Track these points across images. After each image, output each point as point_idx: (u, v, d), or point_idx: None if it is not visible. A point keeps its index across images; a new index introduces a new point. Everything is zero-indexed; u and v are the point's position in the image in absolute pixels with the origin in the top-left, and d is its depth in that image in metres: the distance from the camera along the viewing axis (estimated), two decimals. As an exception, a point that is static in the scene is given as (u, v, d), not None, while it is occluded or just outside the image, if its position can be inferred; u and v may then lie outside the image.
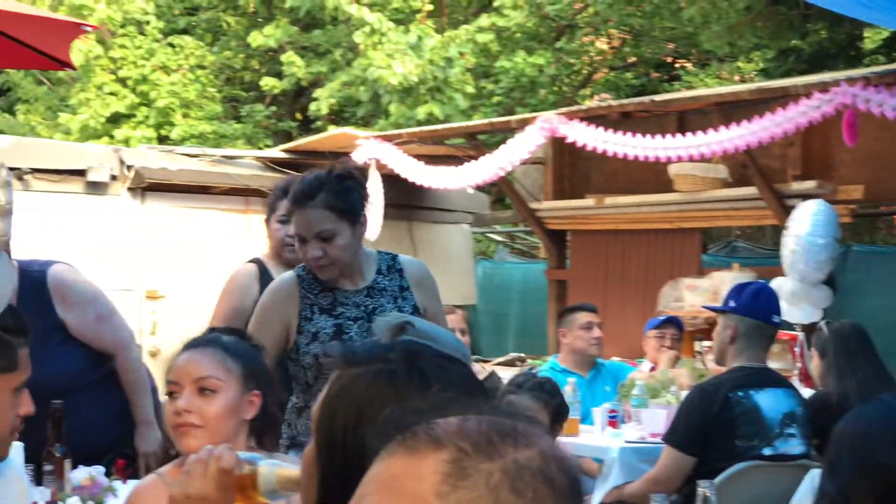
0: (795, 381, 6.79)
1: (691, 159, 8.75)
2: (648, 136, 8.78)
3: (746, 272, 9.14)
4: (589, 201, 10.48)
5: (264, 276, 4.98)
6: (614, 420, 6.52)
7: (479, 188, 11.08)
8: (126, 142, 15.72)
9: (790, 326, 7.77)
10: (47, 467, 3.97)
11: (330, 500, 1.92)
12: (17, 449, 3.68)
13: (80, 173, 10.39)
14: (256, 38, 16.65)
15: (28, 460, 3.88)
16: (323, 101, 15.99)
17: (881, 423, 2.45)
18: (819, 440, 5.45)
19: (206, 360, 3.10)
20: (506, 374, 6.96)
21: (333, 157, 9.93)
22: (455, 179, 9.98)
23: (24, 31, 5.76)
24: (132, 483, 3.70)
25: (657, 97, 10.92)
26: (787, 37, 14.33)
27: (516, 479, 1.24)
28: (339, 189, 4.20)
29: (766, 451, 5.37)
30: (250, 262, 5.29)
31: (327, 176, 4.23)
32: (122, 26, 17.07)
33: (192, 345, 3.17)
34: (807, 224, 7.89)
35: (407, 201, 11.56)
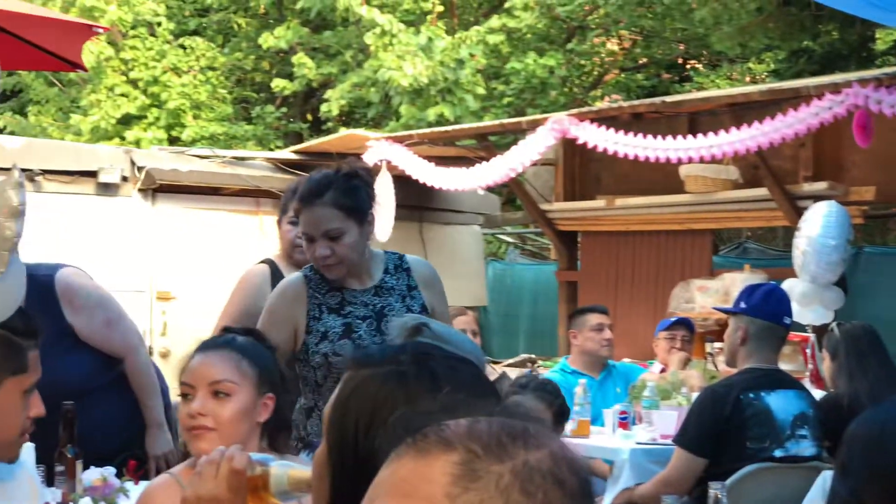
0: (807, 383, 6.78)
1: (702, 160, 8.74)
2: (659, 138, 8.77)
3: (757, 273, 9.13)
4: (600, 202, 10.47)
5: (276, 277, 4.98)
6: (625, 421, 6.51)
7: (490, 189, 11.08)
8: (137, 143, 15.75)
9: (801, 328, 7.75)
10: (59, 468, 3.97)
11: (341, 501, 1.92)
12: (28, 450, 3.69)
13: (91, 174, 10.41)
14: (267, 40, 16.66)
15: (39, 461, 3.89)
16: (333, 102, 16.00)
17: (893, 424, 2.44)
18: (830, 442, 5.44)
19: (220, 362, 3.09)
20: (516, 376, 6.96)
21: (344, 158, 9.92)
22: (466, 181, 9.98)
23: (36, 33, 5.77)
24: (144, 484, 3.69)
25: (668, 98, 10.91)
26: (799, 38, 14.32)
27: (527, 480, 1.24)
28: (347, 188, 4.20)
29: (778, 453, 5.36)
30: (262, 262, 5.30)
31: (335, 175, 4.24)
32: (133, 28, 17.10)
33: (207, 346, 3.16)
34: (818, 225, 7.88)
35: (417, 202, 11.56)
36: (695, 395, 6.22)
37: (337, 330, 4.20)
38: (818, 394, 6.21)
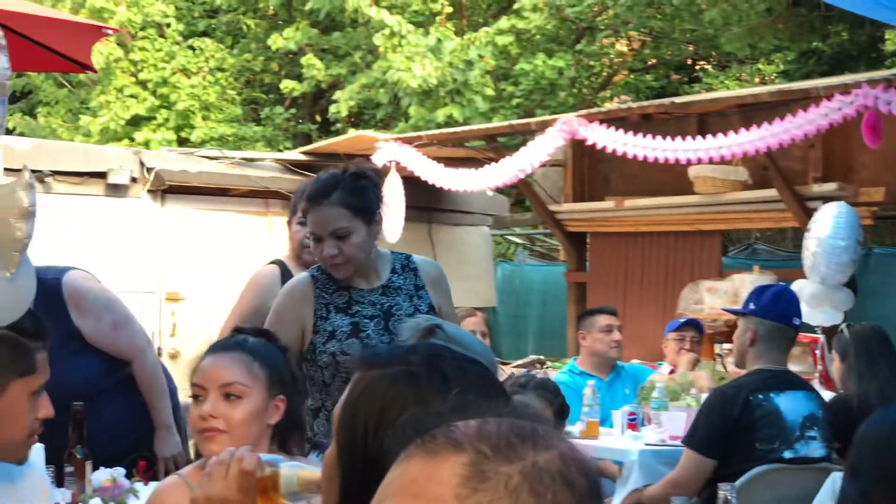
0: (816, 384, 6.77)
1: (711, 161, 8.73)
2: (668, 139, 8.77)
3: (767, 274, 9.12)
4: (609, 203, 10.46)
5: (285, 278, 4.97)
6: (634, 423, 6.51)
7: (499, 190, 11.07)
8: (146, 144, 15.76)
9: (811, 329, 7.74)
10: (68, 469, 3.97)
11: (350, 502, 1.92)
12: (37, 451, 3.69)
13: (101, 175, 10.42)
14: (276, 41, 16.68)
15: (48, 462, 3.89)
16: (342, 103, 16.01)
17: (903, 426, 2.44)
18: (840, 443, 5.44)
19: (232, 365, 3.09)
20: (516, 376, 6.97)
21: (353, 159, 9.94)
22: (475, 182, 9.98)
23: (46, 35, 5.79)
24: (154, 485, 3.70)
25: (677, 99, 10.91)
26: (808, 39, 14.31)
27: (536, 481, 1.24)
28: (355, 187, 4.21)
29: (787, 454, 5.35)
30: (272, 263, 5.30)
31: (342, 175, 4.24)
32: (143, 29, 17.13)
33: (218, 348, 3.16)
34: (828, 226, 7.87)
35: (426, 203, 11.56)
36: (704, 396, 6.22)
37: (345, 329, 4.20)
38: (828, 395, 6.20)
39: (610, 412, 6.77)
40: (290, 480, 2.29)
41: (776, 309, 5.54)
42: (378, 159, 10.17)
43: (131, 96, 16.82)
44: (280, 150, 15.76)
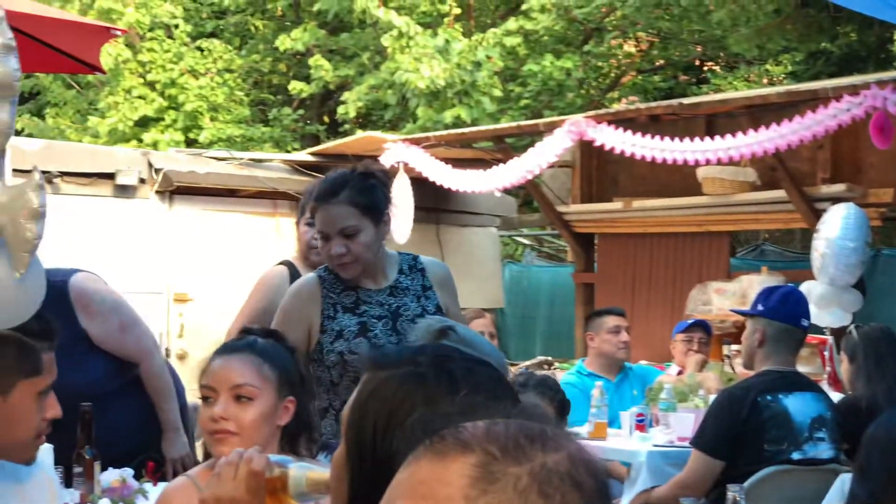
0: (825, 385, 6.76)
1: (720, 162, 8.73)
2: (676, 140, 8.76)
3: (775, 276, 9.11)
4: (617, 204, 10.46)
5: (294, 279, 4.97)
6: (642, 424, 6.50)
7: (507, 191, 11.06)
8: (154, 145, 15.78)
9: (819, 330, 7.74)
10: (77, 469, 3.97)
11: (359, 502, 1.92)
12: (46, 451, 3.69)
13: (109, 176, 10.43)
14: (284, 42, 16.69)
15: (57, 464, 3.89)
16: (350, 104, 16.01)
17: (912, 427, 2.44)
18: (849, 444, 5.43)
19: (242, 366, 3.08)
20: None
21: (361, 160, 9.93)
22: (482, 183, 9.98)
23: (55, 36, 5.79)
24: (163, 486, 3.70)
25: (685, 100, 10.90)
26: (817, 39, 14.29)
27: (545, 482, 1.24)
28: (363, 186, 4.21)
29: (796, 456, 5.35)
30: (280, 264, 5.31)
31: (351, 174, 4.25)
32: (151, 30, 17.15)
33: (228, 350, 3.15)
34: (837, 227, 7.86)
35: (434, 204, 11.56)
36: (712, 397, 6.21)
37: (352, 329, 4.20)
38: (836, 396, 6.19)
39: (618, 413, 6.77)
40: (298, 481, 2.29)
41: (784, 310, 5.53)
42: (386, 160, 10.17)
43: (139, 97, 16.84)
44: (288, 151, 15.76)
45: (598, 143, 9.21)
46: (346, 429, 1.95)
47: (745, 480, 5.05)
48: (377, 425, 1.89)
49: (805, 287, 7.55)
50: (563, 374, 7.96)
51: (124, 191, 10.50)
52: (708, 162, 8.73)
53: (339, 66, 16.87)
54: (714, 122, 9.82)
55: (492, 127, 12.10)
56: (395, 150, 10.39)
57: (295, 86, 17.07)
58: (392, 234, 4.51)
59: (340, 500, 1.98)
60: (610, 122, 9.25)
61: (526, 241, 16.17)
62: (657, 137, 8.86)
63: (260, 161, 11.68)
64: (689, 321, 8.27)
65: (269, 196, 11.13)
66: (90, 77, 16.66)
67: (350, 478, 1.93)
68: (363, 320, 4.22)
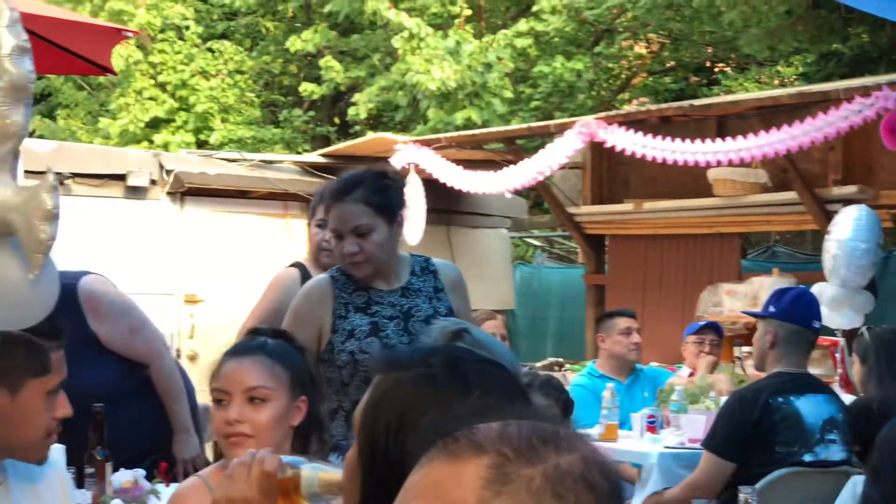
0: (836, 387, 6.75)
1: (731, 164, 8.72)
2: (688, 141, 8.75)
3: (786, 277, 9.10)
4: (627, 206, 10.45)
5: (305, 280, 4.97)
6: (653, 425, 6.50)
7: (518, 193, 11.06)
8: (165, 146, 15.79)
9: (831, 332, 7.72)
10: (88, 470, 3.98)
11: (372, 503, 1.92)
12: (58, 451, 3.70)
13: (120, 178, 10.45)
14: (295, 43, 16.70)
15: (69, 465, 3.90)
16: (361, 105, 16.02)
17: (925, 429, 2.43)
18: (860, 446, 5.41)
19: (255, 368, 3.08)
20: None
21: (372, 161, 9.94)
22: (493, 184, 9.98)
23: (66, 37, 5.80)
24: (175, 486, 3.70)
25: (696, 101, 10.88)
26: (828, 41, 14.26)
27: (558, 484, 1.24)
28: (378, 186, 4.21)
29: (807, 458, 5.34)
30: (291, 266, 5.31)
31: (366, 173, 4.26)
32: (162, 31, 17.17)
33: (239, 352, 3.15)
34: (848, 229, 7.85)
35: (445, 206, 11.56)
36: (723, 399, 6.21)
37: (364, 328, 4.19)
38: (848, 398, 6.18)
39: (629, 415, 6.76)
40: (311, 482, 2.29)
41: (796, 312, 5.53)
42: (397, 161, 10.18)
43: (150, 98, 16.87)
44: (299, 153, 15.76)
45: (608, 145, 9.20)
46: (358, 430, 1.96)
47: (757, 482, 5.04)
48: (389, 426, 1.89)
49: (816, 289, 7.54)
50: (574, 376, 7.97)
51: (135, 192, 10.51)
52: (719, 163, 8.72)
53: (349, 67, 16.88)
54: (725, 124, 9.82)
55: (502, 128, 12.10)
56: (406, 152, 10.40)
57: (305, 87, 17.08)
58: (404, 235, 4.50)
59: (353, 500, 1.98)
60: (621, 124, 9.25)
61: (536, 243, 16.16)
62: (668, 139, 8.85)
63: (271, 162, 11.68)
64: (701, 323, 8.26)
65: (279, 197, 11.14)
66: (101, 78, 16.68)
67: (362, 478, 1.93)
68: (375, 320, 4.22)
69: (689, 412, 6.49)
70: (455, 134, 11.61)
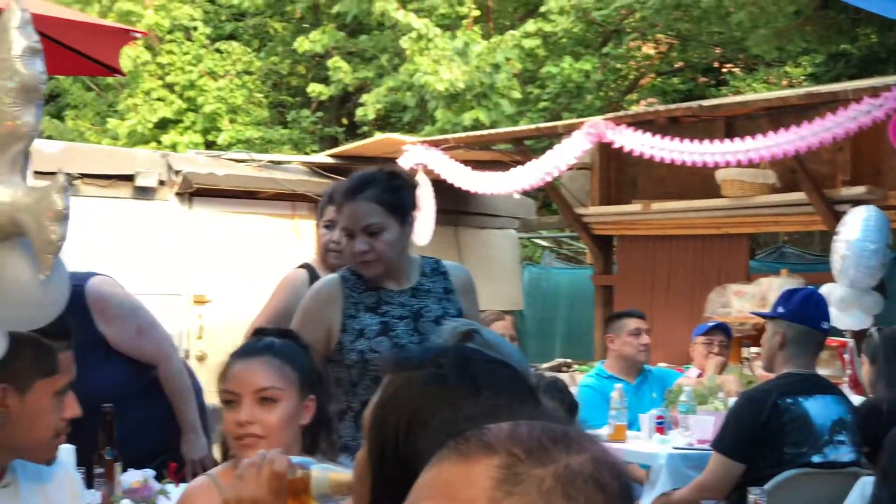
0: (845, 388, 6.74)
1: (739, 164, 8.72)
2: (696, 142, 8.75)
3: (795, 278, 9.09)
4: (636, 206, 10.44)
5: (314, 281, 4.97)
6: (662, 426, 6.49)
7: (526, 193, 11.07)
8: (173, 147, 15.81)
9: (840, 333, 7.71)
10: (98, 470, 3.98)
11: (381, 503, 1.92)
12: (68, 451, 3.70)
13: (129, 178, 10.46)
14: (303, 44, 16.71)
15: (78, 464, 3.90)
16: (369, 106, 16.02)
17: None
18: (869, 448, 5.40)
19: (264, 369, 3.08)
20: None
21: (380, 162, 9.95)
22: (501, 185, 9.98)
23: (75, 38, 5.81)
24: (184, 486, 3.70)
25: (705, 102, 10.88)
26: (837, 41, 14.25)
27: (569, 484, 1.24)
28: (390, 186, 4.22)
29: (816, 459, 5.33)
30: (300, 267, 5.31)
31: (379, 173, 4.27)
32: (170, 32, 17.19)
33: (247, 352, 3.14)
34: (857, 229, 7.84)
35: (453, 207, 11.56)
36: (731, 400, 6.20)
37: (374, 327, 4.19)
38: (857, 399, 6.17)
39: (637, 416, 6.75)
40: (321, 482, 2.29)
41: (805, 312, 5.52)
42: (405, 162, 10.18)
43: (158, 99, 16.88)
44: (307, 154, 15.77)
45: (616, 146, 9.20)
46: (368, 430, 1.96)
47: (766, 483, 5.03)
48: (399, 426, 1.89)
49: (825, 289, 7.53)
50: (583, 376, 7.96)
51: (144, 193, 10.53)
52: (727, 164, 8.72)
53: (357, 68, 16.89)
54: (733, 125, 9.81)
55: (511, 129, 12.10)
56: (414, 153, 10.40)
57: (314, 88, 17.09)
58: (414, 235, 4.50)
59: (362, 501, 1.98)
60: (629, 125, 9.25)
61: (545, 244, 16.16)
62: (676, 139, 8.85)
63: (279, 163, 11.70)
64: (710, 324, 8.25)
65: (288, 198, 11.15)
66: (109, 79, 16.72)
67: (372, 479, 1.93)
68: (385, 320, 4.22)
69: (697, 413, 6.49)
70: (463, 135, 11.61)
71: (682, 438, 6.38)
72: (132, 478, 3.97)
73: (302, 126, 17.79)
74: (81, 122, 17.63)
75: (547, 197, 13.18)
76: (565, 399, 5.63)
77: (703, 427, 6.27)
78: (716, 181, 9.52)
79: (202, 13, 17.80)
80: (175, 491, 3.96)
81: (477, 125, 14.67)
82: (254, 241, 10.91)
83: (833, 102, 8.22)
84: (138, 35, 6.63)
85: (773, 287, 8.79)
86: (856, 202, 8.42)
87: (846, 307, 7.76)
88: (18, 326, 3.01)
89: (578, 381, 7.80)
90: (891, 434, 2.49)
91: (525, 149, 10.74)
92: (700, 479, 5.55)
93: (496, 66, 15.42)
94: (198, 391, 4.97)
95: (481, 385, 1.90)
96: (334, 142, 16.96)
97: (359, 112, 16.38)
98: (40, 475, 3.21)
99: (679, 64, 19.16)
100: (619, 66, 18.36)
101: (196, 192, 10.70)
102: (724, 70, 19.75)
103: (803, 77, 18.05)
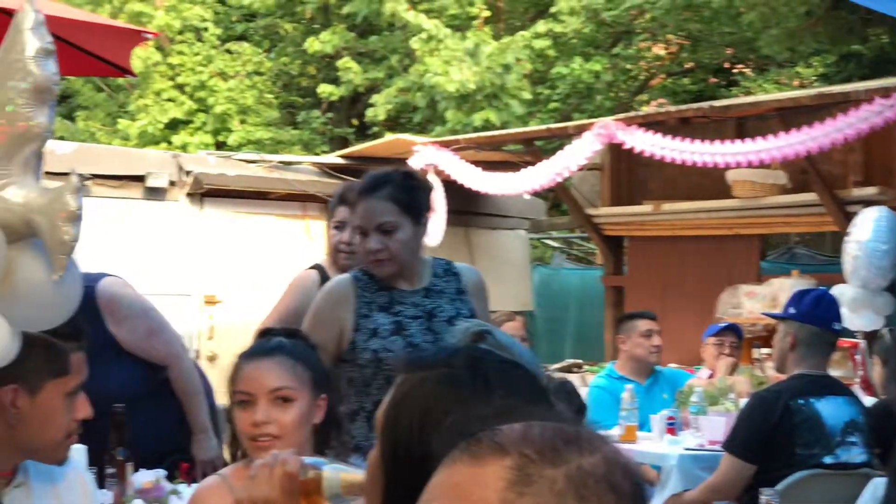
0: (857, 389, 6.73)
1: (750, 165, 8.71)
2: (707, 142, 8.74)
3: (806, 279, 9.07)
4: (646, 207, 10.44)
5: (325, 282, 4.98)
6: (673, 427, 6.49)
7: (536, 194, 11.06)
8: (184, 148, 15.82)
9: (851, 334, 7.70)
10: (109, 470, 3.99)
11: (393, 504, 1.93)
12: (79, 451, 3.71)
13: (139, 179, 10.48)
14: (313, 45, 16.72)
15: (89, 464, 3.91)
16: (380, 107, 16.03)
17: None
18: (881, 449, 5.39)
19: (277, 369, 3.08)
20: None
21: (390, 162, 9.96)
22: (512, 185, 9.98)
23: (86, 39, 5.81)
24: (195, 486, 3.71)
25: (716, 103, 10.87)
26: (848, 41, 14.23)
27: (581, 485, 1.24)
28: (405, 185, 4.24)
29: (828, 460, 5.32)
30: (311, 268, 5.31)
31: (394, 172, 4.29)
32: (181, 33, 17.20)
33: (259, 353, 3.14)
34: (869, 230, 7.82)
35: (464, 207, 11.57)
36: (743, 400, 6.19)
37: (387, 327, 4.20)
38: (868, 400, 6.16)
39: (648, 416, 6.75)
40: (333, 483, 2.29)
41: (816, 313, 5.51)
42: (415, 163, 10.19)
43: (169, 100, 16.90)
44: (317, 154, 15.77)
45: (627, 146, 9.20)
46: (380, 430, 1.96)
47: (777, 484, 5.03)
48: (412, 427, 1.89)
49: (837, 290, 7.51)
50: (593, 377, 7.96)
51: (155, 193, 10.54)
52: (738, 165, 8.71)
53: (368, 68, 16.89)
54: (744, 125, 9.80)
55: (521, 130, 12.10)
56: (425, 153, 10.41)
57: (324, 88, 17.09)
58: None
59: (375, 501, 1.98)
60: (639, 125, 9.24)
61: (555, 244, 16.16)
62: (687, 140, 8.84)
63: (289, 164, 11.71)
64: (721, 325, 8.25)
65: (298, 199, 11.16)
66: (120, 80, 16.72)
67: (384, 479, 1.93)
68: (398, 320, 4.22)
69: (708, 414, 6.48)
70: (474, 135, 11.61)
71: (693, 439, 6.38)
72: (144, 478, 3.97)
73: (312, 127, 17.80)
74: (92, 122, 17.64)
75: (557, 198, 13.18)
76: (574, 402, 5.62)
77: (714, 428, 6.26)
78: (727, 182, 9.51)
79: (213, 14, 17.81)
80: (187, 491, 3.97)
81: (487, 126, 14.67)
82: (264, 241, 10.92)
83: (844, 103, 8.21)
84: (149, 36, 6.63)
85: (784, 288, 8.78)
86: (867, 203, 8.41)
87: (858, 308, 7.75)
88: (31, 327, 3.02)
89: (589, 381, 7.79)
90: (903, 435, 2.49)
91: (535, 149, 10.74)
92: (711, 480, 5.55)
93: (506, 67, 15.41)
94: (208, 392, 4.97)
95: (494, 386, 1.90)
96: (345, 142, 16.96)
97: (369, 113, 16.38)
98: (52, 476, 3.21)
99: (690, 64, 19.14)
100: (629, 66, 18.34)
101: (207, 192, 10.72)
102: (734, 71, 19.73)
103: (814, 77, 18.02)
